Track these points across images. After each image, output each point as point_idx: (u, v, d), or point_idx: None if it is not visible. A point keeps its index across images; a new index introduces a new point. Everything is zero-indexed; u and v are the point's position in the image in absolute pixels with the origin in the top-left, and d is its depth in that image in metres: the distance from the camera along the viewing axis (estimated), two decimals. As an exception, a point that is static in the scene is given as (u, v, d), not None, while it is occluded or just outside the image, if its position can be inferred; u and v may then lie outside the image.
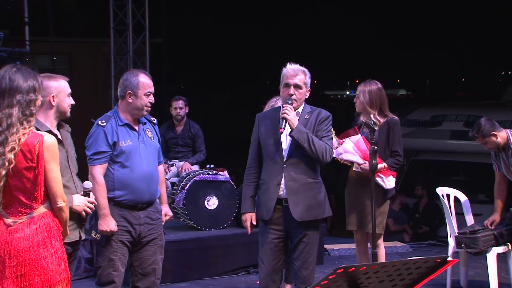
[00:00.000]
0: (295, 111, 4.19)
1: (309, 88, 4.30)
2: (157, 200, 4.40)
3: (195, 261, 6.34)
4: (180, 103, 7.42)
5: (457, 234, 5.64)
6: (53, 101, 3.68)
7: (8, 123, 3.08)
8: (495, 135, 5.36)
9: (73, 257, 3.80)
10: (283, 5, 22.87)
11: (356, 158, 5.09)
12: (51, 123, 3.70)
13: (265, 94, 5.63)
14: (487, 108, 12.92)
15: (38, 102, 3.20)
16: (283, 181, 4.20)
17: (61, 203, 3.17)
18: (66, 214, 3.24)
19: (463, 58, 25.29)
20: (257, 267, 5.50)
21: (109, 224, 4.11)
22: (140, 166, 4.19)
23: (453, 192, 5.89)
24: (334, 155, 4.80)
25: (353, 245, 7.22)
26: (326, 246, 7.51)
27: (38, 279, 3.09)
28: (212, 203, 6.55)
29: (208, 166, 6.89)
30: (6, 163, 3.05)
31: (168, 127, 7.51)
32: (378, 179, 5.05)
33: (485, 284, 5.70)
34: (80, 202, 3.67)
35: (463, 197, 5.89)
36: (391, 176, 5.11)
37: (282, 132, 4.15)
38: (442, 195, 5.86)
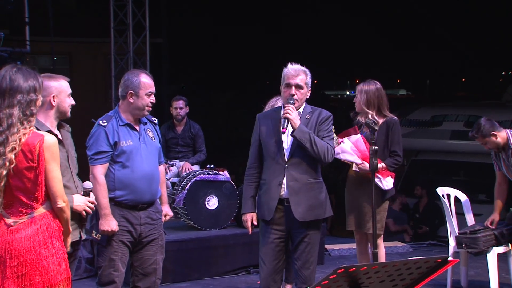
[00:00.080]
0: (296, 111, 4.20)
1: (310, 88, 4.31)
2: (158, 200, 4.40)
3: (195, 261, 6.35)
4: (181, 103, 7.43)
5: (457, 234, 5.65)
6: (54, 101, 3.69)
7: (9, 123, 3.08)
8: (495, 135, 5.36)
9: (73, 257, 3.80)
10: (283, 5, 22.88)
11: (354, 158, 5.08)
12: (51, 123, 3.70)
13: (265, 94, 5.63)
14: (487, 108, 12.93)
15: (39, 102, 3.20)
16: (284, 181, 4.20)
17: (61, 204, 3.17)
18: (67, 214, 3.24)
19: (463, 58, 25.30)
20: (257, 267, 5.51)
21: (110, 224, 4.11)
22: (141, 166, 4.19)
23: (454, 192, 5.89)
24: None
25: (353, 245, 7.22)
26: (326, 246, 7.51)
27: (39, 279, 3.09)
28: (212, 203, 6.55)
29: (208, 166, 6.89)
30: (7, 163, 3.05)
31: (168, 127, 7.51)
32: (375, 179, 5.05)
33: (485, 284, 5.70)
34: (80, 202, 3.68)
35: (463, 197, 5.89)
36: (390, 177, 5.10)
37: (284, 132, 4.15)
38: (443, 195, 5.86)
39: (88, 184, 3.77)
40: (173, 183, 7.01)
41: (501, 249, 5.55)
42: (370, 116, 5.12)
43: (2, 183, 3.07)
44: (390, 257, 7.04)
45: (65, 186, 3.34)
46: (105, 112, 4.38)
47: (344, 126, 5.26)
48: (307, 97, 4.30)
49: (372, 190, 4.93)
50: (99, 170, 4.13)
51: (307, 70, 4.29)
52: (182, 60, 20.69)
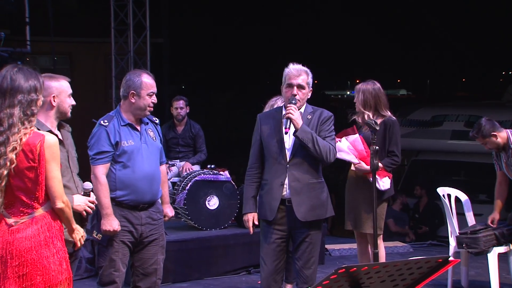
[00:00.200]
0: (298, 111, 4.20)
1: (311, 88, 4.31)
2: (159, 200, 4.40)
3: (196, 261, 6.35)
4: (181, 103, 7.43)
5: (458, 234, 5.65)
6: (54, 101, 3.69)
7: (10, 123, 3.08)
8: (495, 136, 5.37)
9: (74, 257, 3.80)
10: (284, 5, 22.86)
11: (351, 158, 5.08)
12: (52, 123, 3.70)
13: (265, 94, 5.63)
14: (488, 108, 12.92)
15: (40, 102, 3.20)
16: (286, 181, 4.20)
17: (60, 204, 3.16)
18: (68, 213, 3.23)
19: (463, 58, 25.27)
20: (257, 267, 5.51)
21: (112, 223, 4.11)
22: (142, 166, 4.19)
23: (454, 192, 5.89)
24: None
25: (353, 245, 7.22)
26: (327, 246, 7.51)
27: (40, 279, 3.09)
28: (213, 203, 6.55)
29: (209, 166, 6.89)
30: (8, 163, 3.05)
31: (169, 127, 7.52)
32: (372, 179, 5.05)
33: (486, 284, 5.71)
34: (80, 202, 3.68)
35: (464, 197, 5.90)
36: (387, 178, 5.08)
37: (287, 132, 4.15)
38: (443, 195, 5.87)
39: (88, 185, 3.78)
40: (173, 183, 7.02)
41: (502, 249, 5.55)
42: (366, 116, 5.13)
43: (3, 183, 3.07)
44: (390, 257, 7.04)
45: (65, 186, 3.34)
46: (106, 112, 4.38)
47: (344, 126, 5.26)
48: (308, 97, 4.30)
49: (370, 191, 4.94)
50: (101, 170, 4.13)
51: (308, 70, 4.29)
52: (182, 60, 20.68)
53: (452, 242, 5.75)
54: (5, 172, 3.06)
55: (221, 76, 23.74)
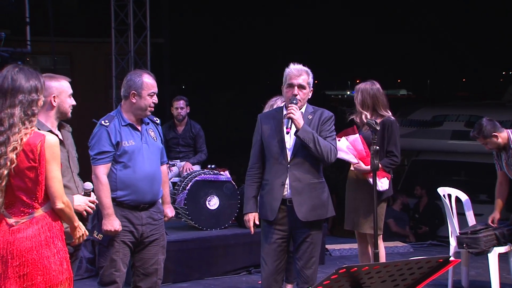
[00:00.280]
0: (299, 111, 4.20)
1: (312, 88, 4.31)
2: (160, 200, 4.40)
3: (196, 261, 6.35)
4: (181, 103, 7.44)
5: (458, 234, 5.65)
6: (54, 101, 3.69)
7: (10, 123, 3.08)
8: (496, 136, 5.37)
9: (74, 257, 3.80)
10: (284, 5, 22.87)
11: (349, 157, 5.08)
12: (52, 124, 3.71)
13: (265, 94, 5.63)
14: (488, 108, 12.92)
15: (40, 102, 3.20)
16: (287, 181, 4.20)
17: (59, 205, 3.15)
18: (68, 213, 3.23)
19: (463, 58, 25.28)
20: (258, 267, 5.51)
21: (113, 223, 4.11)
22: (143, 167, 4.19)
23: (455, 192, 5.89)
24: None
25: (354, 245, 7.23)
26: (327, 246, 7.51)
27: (40, 279, 3.09)
28: (213, 203, 6.55)
29: (209, 166, 6.89)
30: (8, 163, 3.06)
31: (169, 127, 7.52)
32: (371, 179, 5.05)
33: (486, 284, 5.71)
34: (81, 202, 3.68)
35: (464, 197, 5.90)
36: (385, 178, 5.08)
37: (288, 132, 4.15)
38: (444, 195, 5.87)
39: (88, 185, 3.78)
40: (174, 183, 7.01)
41: (502, 249, 5.55)
42: (364, 116, 5.13)
43: (4, 183, 3.07)
44: (391, 257, 7.04)
45: (65, 186, 3.34)
46: (106, 112, 4.38)
47: (344, 126, 5.27)
48: (309, 97, 4.30)
49: (368, 191, 4.95)
50: (102, 170, 4.13)
51: (309, 70, 4.29)
52: (182, 60, 20.69)
53: (453, 242, 5.75)
54: (5, 172, 3.06)
55: (221, 76, 23.76)
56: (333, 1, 22.32)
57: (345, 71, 31.18)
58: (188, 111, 7.48)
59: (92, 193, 3.78)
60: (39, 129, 3.29)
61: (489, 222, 5.58)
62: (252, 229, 4.34)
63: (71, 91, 3.81)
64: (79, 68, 15.98)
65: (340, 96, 39.63)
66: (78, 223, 3.34)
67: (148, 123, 4.33)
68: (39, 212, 3.14)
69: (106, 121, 4.20)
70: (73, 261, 3.72)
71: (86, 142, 4.25)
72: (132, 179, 4.17)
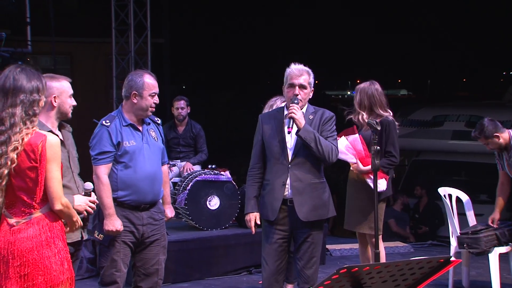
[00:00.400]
0: (300, 110, 4.20)
1: (313, 88, 4.32)
2: (160, 200, 4.41)
3: (196, 261, 6.35)
4: (182, 103, 7.44)
5: (459, 234, 5.65)
6: (55, 102, 3.69)
7: (11, 122, 3.09)
8: (498, 136, 5.37)
9: (75, 257, 3.80)
10: (284, 5, 22.87)
11: (348, 157, 5.08)
12: (52, 124, 3.71)
13: (265, 94, 5.63)
14: (488, 108, 12.91)
15: (42, 103, 3.20)
16: (288, 181, 4.20)
17: (58, 206, 3.14)
18: (67, 213, 3.22)
19: (464, 58, 25.28)
20: (258, 267, 5.52)
21: (114, 223, 4.11)
22: (144, 167, 4.20)
23: (455, 192, 5.89)
24: None
25: (354, 245, 7.23)
26: (327, 246, 7.51)
27: (41, 279, 3.09)
28: (214, 203, 6.55)
29: (210, 166, 6.90)
30: (9, 162, 3.06)
31: (169, 127, 7.52)
32: (368, 180, 5.05)
33: (487, 284, 5.71)
34: (81, 202, 3.67)
35: (465, 197, 5.90)
36: (383, 179, 5.07)
37: (290, 132, 4.15)
38: (444, 195, 5.87)
39: (88, 185, 3.78)
40: (174, 183, 7.02)
41: (503, 249, 5.55)
42: (360, 116, 5.14)
43: (4, 182, 3.08)
44: (391, 257, 7.05)
45: (66, 187, 3.34)
46: (106, 112, 4.39)
47: (344, 126, 5.27)
48: (310, 97, 4.31)
49: (367, 191, 4.96)
50: (103, 170, 4.13)
51: (310, 70, 4.30)
52: (183, 60, 20.69)
53: (453, 242, 5.75)
54: (6, 171, 3.06)
55: (221, 76, 23.76)
56: (333, 1, 22.30)
57: (345, 71, 31.17)
58: (188, 111, 7.48)
59: (92, 193, 3.78)
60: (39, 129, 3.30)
61: (489, 222, 5.58)
62: (253, 229, 4.34)
63: (71, 91, 3.81)
64: (79, 68, 15.98)
65: (340, 96, 39.61)
66: (76, 217, 3.32)
67: (149, 123, 4.33)
68: (40, 212, 3.14)
69: (107, 121, 4.20)
70: (74, 261, 3.72)
71: (86, 142, 4.25)
72: (133, 179, 4.17)
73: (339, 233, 10.92)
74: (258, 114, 4.55)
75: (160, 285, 4.42)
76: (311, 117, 4.26)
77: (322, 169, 4.32)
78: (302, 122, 4.13)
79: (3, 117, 3.09)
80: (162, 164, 4.40)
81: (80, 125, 5.47)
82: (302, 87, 4.22)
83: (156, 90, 4.25)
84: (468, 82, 32.06)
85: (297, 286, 4.52)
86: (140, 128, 4.26)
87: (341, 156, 5.05)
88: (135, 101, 4.20)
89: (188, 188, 6.48)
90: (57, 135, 3.56)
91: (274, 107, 5.05)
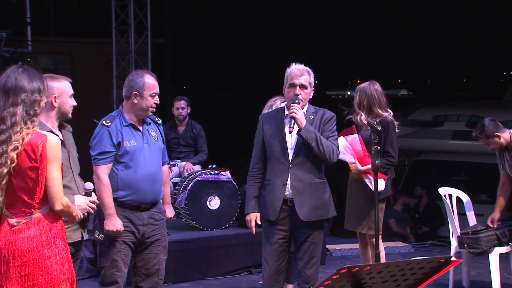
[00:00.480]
0: (301, 110, 4.20)
1: (313, 88, 4.32)
2: (161, 200, 4.41)
3: (197, 261, 6.35)
4: (182, 103, 7.44)
5: (459, 234, 5.65)
6: (55, 102, 3.69)
7: (12, 121, 3.09)
8: (499, 136, 5.37)
9: (75, 257, 3.80)
10: (284, 5, 22.87)
11: (346, 157, 5.08)
12: (52, 124, 3.71)
13: (265, 94, 5.64)
14: (489, 108, 12.91)
15: (43, 103, 3.20)
16: (289, 181, 4.20)
17: (58, 206, 3.14)
18: (67, 213, 3.22)
19: (464, 58, 25.28)
20: (259, 267, 5.52)
21: (115, 224, 4.11)
22: (144, 167, 4.20)
23: (455, 192, 5.89)
24: None
25: (355, 245, 7.24)
26: (328, 246, 7.51)
27: (42, 279, 3.09)
28: (214, 203, 6.55)
29: (210, 166, 6.90)
30: (9, 162, 3.06)
31: (170, 127, 7.52)
32: (366, 180, 5.05)
33: (487, 285, 5.71)
34: (81, 202, 3.67)
35: (465, 197, 5.89)
36: (382, 180, 5.07)
37: (291, 131, 4.16)
38: (445, 195, 5.87)
39: (89, 185, 3.77)
40: (174, 183, 7.02)
41: (503, 249, 5.55)
42: (359, 117, 5.14)
43: (4, 182, 3.08)
44: (392, 257, 7.05)
45: (66, 187, 3.34)
46: (107, 112, 4.39)
47: (344, 126, 5.27)
48: (310, 97, 4.31)
49: (366, 191, 4.95)
50: (103, 170, 4.13)
51: (310, 70, 4.30)
52: (183, 60, 20.70)
53: (454, 242, 5.75)
54: (5, 171, 3.06)
55: (221, 76, 23.75)
56: (333, 1, 22.30)
57: (345, 71, 31.17)
58: (189, 111, 7.48)
59: (92, 193, 3.78)
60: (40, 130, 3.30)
61: (489, 222, 5.57)
62: (253, 229, 4.34)
63: (72, 91, 3.81)
64: (79, 68, 15.97)
65: (340, 96, 39.62)
66: (76, 212, 3.32)
67: (149, 123, 4.33)
68: (40, 212, 3.14)
69: (108, 121, 4.20)
70: (74, 261, 3.72)
71: (86, 142, 4.25)
72: (134, 179, 4.17)
73: (339, 233, 10.91)
74: (258, 114, 4.55)
75: (161, 285, 4.42)
76: (311, 117, 4.26)
77: (322, 169, 4.32)
78: (303, 121, 4.13)
79: (4, 116, 3.09)
80: (163, 164, 4.40)
81: (80, 125, 5.47)
82: (302, 87, 4.23)
83: (157, 90, 4.25)
84: (468, 82, 32.07)
85: (298, 286, 4.53)
86: (141, 128, 4.26)
87: (340, 156, 5.05)
88: (135, 101, 4.20)
89: (189, 188, 6.48)
90: (57, 135, 3.56)
91: (273, 107, 5.05)
